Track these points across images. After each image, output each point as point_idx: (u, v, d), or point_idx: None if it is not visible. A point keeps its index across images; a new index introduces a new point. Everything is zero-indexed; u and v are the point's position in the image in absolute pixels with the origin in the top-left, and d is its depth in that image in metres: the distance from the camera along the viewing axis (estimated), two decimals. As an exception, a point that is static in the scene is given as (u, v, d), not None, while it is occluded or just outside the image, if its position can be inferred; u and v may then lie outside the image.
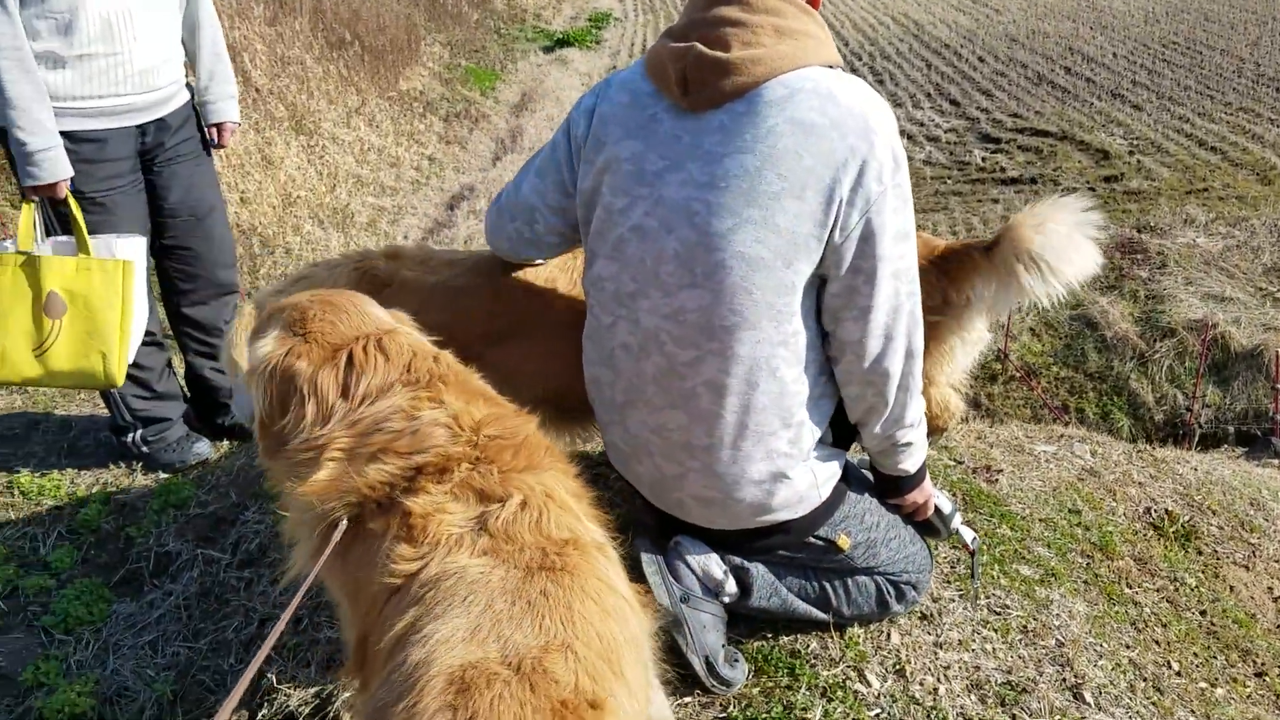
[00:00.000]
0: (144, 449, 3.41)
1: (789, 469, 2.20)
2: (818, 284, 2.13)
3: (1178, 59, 19.68)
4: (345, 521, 1.71)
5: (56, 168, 2.97)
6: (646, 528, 2.58)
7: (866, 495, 2.42)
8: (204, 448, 3.47)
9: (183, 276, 3.51)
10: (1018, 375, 9.63)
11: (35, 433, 3.80)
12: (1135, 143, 15.24)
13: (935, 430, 3.04)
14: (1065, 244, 2.69)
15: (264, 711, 2.49)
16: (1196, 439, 8.79)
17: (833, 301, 2.11)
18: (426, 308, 2.60)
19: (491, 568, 1.54)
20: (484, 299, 2.64)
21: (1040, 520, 3.23)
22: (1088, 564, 3.10)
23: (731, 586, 2.36)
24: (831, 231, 2.02)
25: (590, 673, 1.43)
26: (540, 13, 29.20)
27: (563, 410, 2.71)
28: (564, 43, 26.86)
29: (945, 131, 16.63)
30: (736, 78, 2.02)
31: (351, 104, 16.61)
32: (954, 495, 3.23)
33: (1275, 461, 6.22)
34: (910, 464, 2.36)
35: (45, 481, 3.42)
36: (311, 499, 1.74)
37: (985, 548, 2.92)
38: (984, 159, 15.43)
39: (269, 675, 2.56)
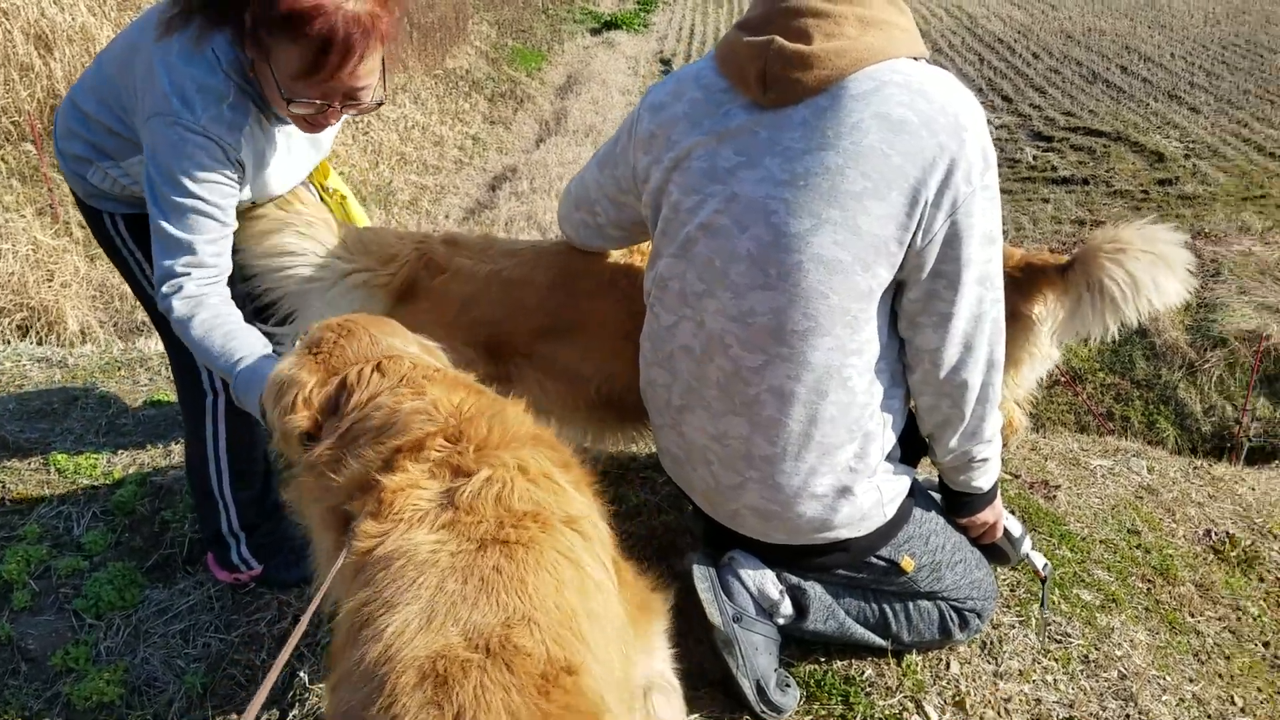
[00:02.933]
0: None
1: (854, 484, 2.09)
2: (894, 289, 2.01)
3: (1238, 61, 19.27)
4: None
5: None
6: (696, 538, 2.48)
7: (933, 515, 2.31)
8: None
9: None
10: (1062, 380, 9.43)
11: (74, 409, 3.75)
12: (1191, 146, 14.94)
13: (996, 445, 2.92)
14: (1143, 277, 2.46)
15: (295, 711, 2.42)
16: (1245, 453, 8.57)
17: (911, 306, 2.00)
18: (479, 297, 2.52)
19: (443, 544, 1.49)
20: (540, 292, 2.54)
21: (1100, 541, 3.11)
22: (1148, 589, 2.98)
23: (787, 608, 2.26)
24: (914, 235, 1.90)
25: (555, 640, 1.38)
26: (589, -6, 29.06)
27: (621, 412, 2.62)
28: (612, 25, 26.74)
29: (996, 128, 16.41)
30: (819, 70, 1.91)
31: (397, 80, 16.58)
32: (1014, 511, 3.11)
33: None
34: (984, 481, 2.24)
35: (82, 460, 3.36)
36: (300, 504, 1.83)
37: (1047, 571, 2.80)
38: (1035, 157, 15.20)
39: (300, 674, 2.49)
